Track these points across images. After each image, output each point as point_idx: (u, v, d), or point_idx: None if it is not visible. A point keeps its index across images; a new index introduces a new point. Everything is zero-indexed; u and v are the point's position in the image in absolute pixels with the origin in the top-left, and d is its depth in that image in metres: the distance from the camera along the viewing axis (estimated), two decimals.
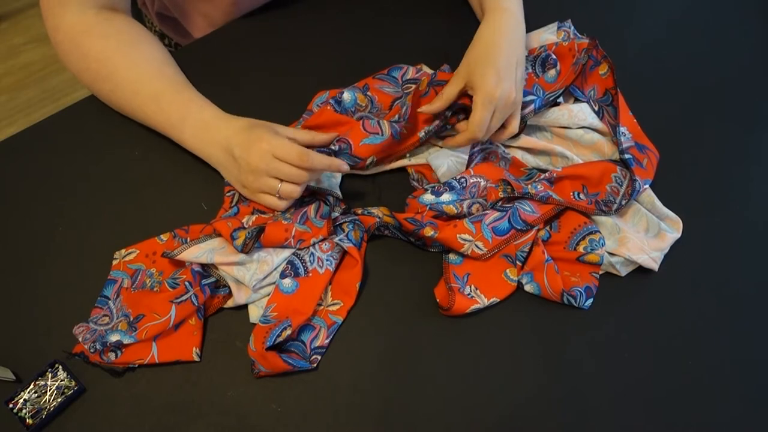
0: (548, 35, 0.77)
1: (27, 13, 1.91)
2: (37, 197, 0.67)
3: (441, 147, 0.69)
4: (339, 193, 0.66)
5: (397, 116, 0.69)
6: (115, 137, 0.72)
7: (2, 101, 1.71)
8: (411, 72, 0.74)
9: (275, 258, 0.61)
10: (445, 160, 0.67)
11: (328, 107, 0.69)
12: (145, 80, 0.65)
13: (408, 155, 0.69)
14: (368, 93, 0.73)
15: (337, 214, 0.65)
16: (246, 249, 0.58)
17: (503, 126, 0.68)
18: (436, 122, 0.67)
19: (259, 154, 0.59)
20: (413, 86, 0.72)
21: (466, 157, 0.67)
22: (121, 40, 0.65)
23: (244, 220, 0.62)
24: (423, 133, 0.67)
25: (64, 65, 0.69)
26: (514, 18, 0.68)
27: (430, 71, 0.75)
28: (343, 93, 0.71)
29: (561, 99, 0.72)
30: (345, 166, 0.62)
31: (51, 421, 0.55)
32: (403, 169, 0.70)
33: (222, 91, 0.75)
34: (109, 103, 0.70)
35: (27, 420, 0.54)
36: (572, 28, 0.78)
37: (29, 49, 1.83)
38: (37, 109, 1.70)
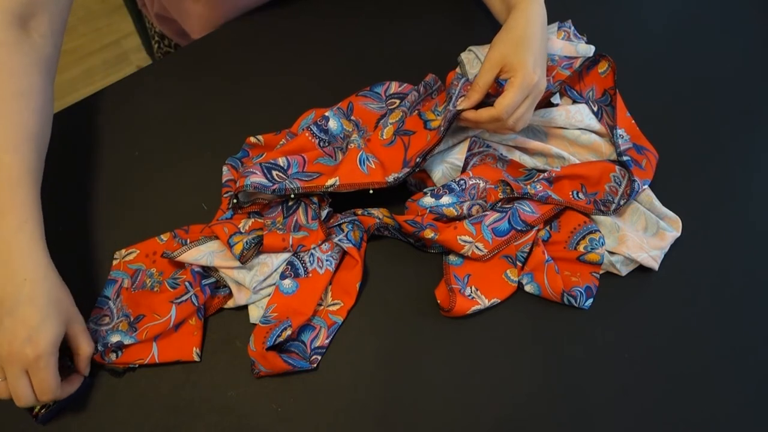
0: (548, 35, 0.76)
1: None
2: None
3: (437, 152, 0.69)
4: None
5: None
6: (115, 137, 0.72)
7: None
8: (393, 86, 0.72)
9: (275, 260, 0.61)
10: (439, 166, 0.67)
11: (306, 133, 0.67)
12: None
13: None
14: (352, 117, 0.71)
15: (324, 212, 0.65)
16: (243, 260, 0.58)
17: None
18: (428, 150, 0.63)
19: (16, 341, 0.48)
20: (397, 101, 0.71)
21: (461, 164, 0.67)
22: (1, 87, 0.55)
23: (241, 225, 0.62)
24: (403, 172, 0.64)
25: None
26: (543, 10, 0.66)
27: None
28: (328, 120, 0.69)
29: (559, 100, 0.72)
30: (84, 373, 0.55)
31: (51, 420, 0.55)
32: None
33: (221, 91, 0.76)
34: None
35: (34, 410, 0.53)
36: (572, 28, 0.78)
37: None
38: None
